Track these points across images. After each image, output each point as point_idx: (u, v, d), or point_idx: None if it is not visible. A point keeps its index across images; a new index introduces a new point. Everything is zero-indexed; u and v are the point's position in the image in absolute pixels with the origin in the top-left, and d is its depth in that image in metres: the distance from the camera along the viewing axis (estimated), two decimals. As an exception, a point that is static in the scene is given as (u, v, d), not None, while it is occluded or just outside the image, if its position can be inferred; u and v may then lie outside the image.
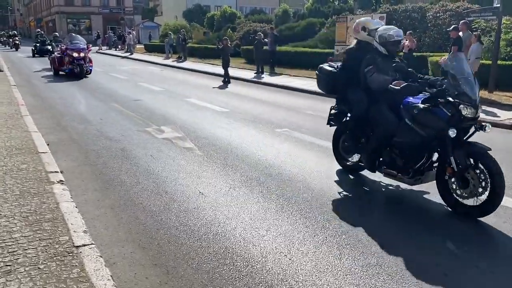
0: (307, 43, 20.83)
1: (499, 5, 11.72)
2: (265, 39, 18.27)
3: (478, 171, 4.00)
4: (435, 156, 4.43)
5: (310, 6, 40.28)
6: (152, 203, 4.56)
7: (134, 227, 4.03)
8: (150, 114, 9.44)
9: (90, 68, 16.98)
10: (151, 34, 47.91)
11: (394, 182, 4.90)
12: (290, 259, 3.44)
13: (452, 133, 3.95)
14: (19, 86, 13.48)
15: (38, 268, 3.04)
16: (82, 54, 16.38)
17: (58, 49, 18.06)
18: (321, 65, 5.65)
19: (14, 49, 36.08)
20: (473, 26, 13.19)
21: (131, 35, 34.56)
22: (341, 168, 5.65)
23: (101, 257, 3.27)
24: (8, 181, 4.75)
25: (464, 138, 4.23)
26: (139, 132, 7.72)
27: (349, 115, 5.38)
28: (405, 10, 18.39)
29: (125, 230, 3.96)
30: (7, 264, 3.08)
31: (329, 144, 6.79)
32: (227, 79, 15.39)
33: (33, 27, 77.32)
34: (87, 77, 16.35)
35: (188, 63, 23.81)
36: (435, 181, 4.38)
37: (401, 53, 13.62)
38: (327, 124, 5.75)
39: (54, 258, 3.18)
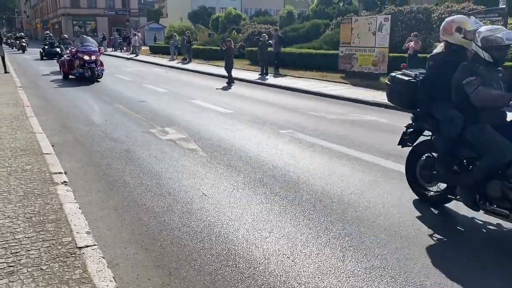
0: (311, 44, 20.82)
1: (504, 6, 11.67)
2: (270, 41, 18.28)
3: None
4: None
5: (315, 8, 40.34)
6: (156, 204, 4.57)
7: (137, 228, 4.03)
8: (155, 115, 9.46)
9: (102, 71, 16.22)
10: (156, 35, 48.17)
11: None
12: (293, 261, 3.42)
13: None
14: (25, 87, 13.57)
15: (41, 269, 3.05)
16: (93, 57, 15.59)
17: (68, 51, 17.39)
18: (393, 74, 4.72)
19: (21, 51, 36.08)
20: (478, 27, 13.11)
21: (136, 37, 34.73)
22: (343, 169, 5.63)
23: (103, 258, 3.27)
24: (13, 182, 4.77)
25: None
26: (143, 133, 7.73)
27: (429, 134, 4.46)
28: (410, 11, 18.34)
29: (128, 231, 3.96)
30: (10, 265, 3.09)
31: (333, 145, 6.81)
32: (230, 81, 15.40)
33: (40, 29, 77.93)
34: (99, 81, 15.64)
35: (193, 65, 23.87)
36: None
37: (406, 55, 13.62)
38: (399, 144, 4.75)
39: (57, 259, 3.19)
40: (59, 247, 3.36)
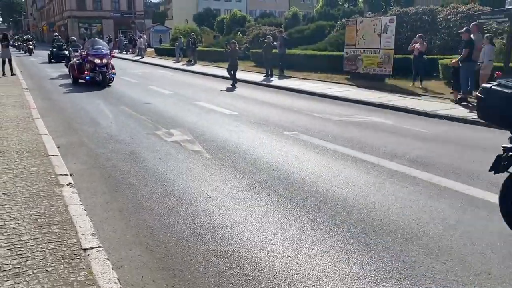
0: (316, 46, 20.80)
1: (510, 7, 11.61)
2: (275, 42, 18.29)
3: None
4: None
5: (320, 9, 40.34)
6: (160, 206, 4.57)
7: (142, 230, 4.04)
8: (160, 117, 9.48)
9: (113, 75, 15.43)
10: (161, 37, 48.37)
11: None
12: (297, 264, 3.41)
13: None
14: (31, 89, 13.65)
15: (46, 270, 3.06)
16: (104, 61, 14.79)
17: (78, 54, 16.64)
18: (487, 85, 3.93)
19: (27, 53, 35.88)
20: (484, 28, 13.06)
21: (141, 39, 34.86)
22: (348, 171, 5.61)
23: (108, 260, 3.27)
24: (18, 183, 4.80)
25: None
26: (148, 135, 7.75)
27: None
28: (415, 12, 18.29)
29: (133, 233, 3.97)
30: (16, 266, 3.11)
31: (338, 147, 6.79)
32: (234, 82, 15.39)
33: (46, 31, 78.47)
34: (110, 85, 14.96)
35: (198, 67, 23.93)
36: None
37: (411, 56, 13.57)
38: (492, 170, 4.00)
39: (62, 260, 3.20)
40: (64, 248, 3.38)
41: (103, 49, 15.37)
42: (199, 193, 4.95)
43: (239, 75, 16.31)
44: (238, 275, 3.26)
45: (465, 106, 10.21)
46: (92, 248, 3.41)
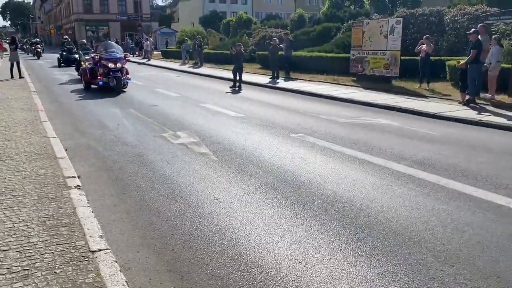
0: (322, 47, 20.76)
1: (519, 7, 11.52)
2: (281, 45, 18.29)
3: None
4: None
5: (326, 11, 40.32)
6: (167, 208, 4.59)
7: (149, 232, 4.05)
8: (166, 119, 9.52)
9: (128, 81, 14.59)
10: (168, 40, 48.54)
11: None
12: (304, 266, 3.41)
13: None
14: (39, 92, 13.76)
15: (55, 272, 3.08)
16: (119, 65, 13.95)
17: (88, 57, 16.12)
18: None
19: (35, 57, 35.48)
20: (492, 30, 12.98)
21: (148, 42, 35.05)
22: (355, 173, 5.59)
23: (116, 262, 3.29)
24: (27, 186, 4.84)
25: None
26: (155, 138, 7.78)
27: None
28: (422, 14, 18.20)
29: (140, 235, 3.99)
30: (25, 268, 3.13)
31: (344, 149, 6.78)
32: (238, 85, 15.39)
33: (53, 35, 79.12)
34: (124, 91, 14.11)
35: (204, 69, 23.99)
36: None
37: (418, 58, 13.51)
38: None
39: (70, 262, 3.22)
40: (73, 251, 3.40)
41: (117, 53, 14.58)
42: (206, 195, 4.96)
43: (245, 77, 16.32)
44: (245, 278, 3.26)
45: (473, 108, 10.15)
46: (100, 250, 3.43)
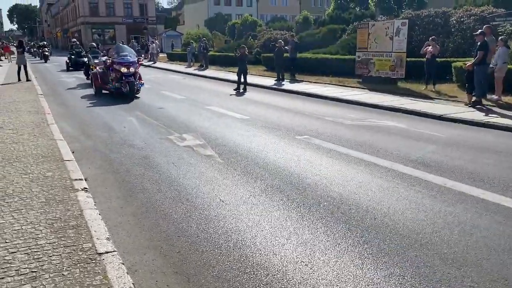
0: (328, 49, 20.76)
1: (525, 8, 11.45)
2: (286, 47, 18.31)
3: None
4: None
5: (331, 13, 40.30)
6: (174, 211, 4.60)
7: (155, 234, 4.07)
8: (172, 122, 9.56)
9: (141, 85, 13.95)
10: (173, 43, 48.74)
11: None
12: (311, 269, 3.41)
13: None
14: (46, 95, 13.85)
15: (62, 274, 3.10)
16: (132, 70, 13.33)
17: (97, 61, 15.71)
18: None
19: (43, 60, 35.45)
20: (498, 31, 12.91)
21: (154, 44, 35.20)
22: (361, 175, 5.58)
23: (123, 264, 3.31)
24: (34, 188, 4.88)
25: None
26: (161, 140, 7.82)
27: None
28: (428, 15, 18.14)
29: (147, 238, 4.00)
30: (33, 270, 3.15)
31: (350, 151, 6.77)
32: (243, 87, 15.38)
33: (60, 38, 79.68)
34: (138, 97, 13.49)
35: (209, 71, 24.05)
36: None
37: (424, 59, 13.46)
38: None
39: (78, 265, 3.24)
40: (80, 253, 3.42)
41: (129, 57, 13.91)
42: (212, 197, 4.97)
43: (250, 79, 16.33)
44: (251, 280, 3.26)
45: (479, 109, 10.09)
46: (107, 252, 3.44)
